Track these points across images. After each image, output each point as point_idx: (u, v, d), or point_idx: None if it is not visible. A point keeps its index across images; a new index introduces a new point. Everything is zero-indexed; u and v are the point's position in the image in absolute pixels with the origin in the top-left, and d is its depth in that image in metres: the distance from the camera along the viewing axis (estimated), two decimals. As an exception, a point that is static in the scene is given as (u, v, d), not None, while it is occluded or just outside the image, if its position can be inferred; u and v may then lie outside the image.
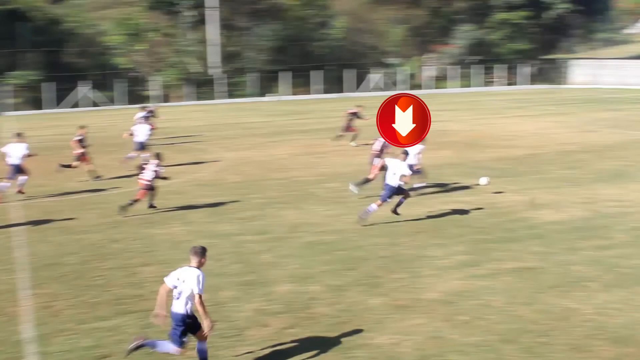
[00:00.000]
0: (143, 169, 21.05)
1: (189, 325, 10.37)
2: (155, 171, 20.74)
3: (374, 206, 19.11)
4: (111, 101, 60.76)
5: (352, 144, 33.02)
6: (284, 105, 58.05)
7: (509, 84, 75.95)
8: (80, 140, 26.17)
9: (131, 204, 20.66)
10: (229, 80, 66.32)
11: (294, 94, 67.03)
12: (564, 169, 26.85)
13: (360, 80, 69.90)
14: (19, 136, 23.75)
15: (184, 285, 10.19)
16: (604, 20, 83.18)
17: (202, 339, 10.59)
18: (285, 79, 66.24)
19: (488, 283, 14.30)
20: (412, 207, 20.70)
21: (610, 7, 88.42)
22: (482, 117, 38.95)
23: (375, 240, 17.52)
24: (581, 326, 12.17)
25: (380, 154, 23.09)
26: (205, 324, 10.29)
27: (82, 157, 26.20)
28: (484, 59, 75.46)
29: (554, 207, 20.69)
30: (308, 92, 67.98)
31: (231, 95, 65.50)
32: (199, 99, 63.88)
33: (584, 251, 16.38)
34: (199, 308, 10.17)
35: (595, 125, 40.00)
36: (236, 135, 37.90)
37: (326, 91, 68.37)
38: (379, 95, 67.22)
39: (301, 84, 68.16)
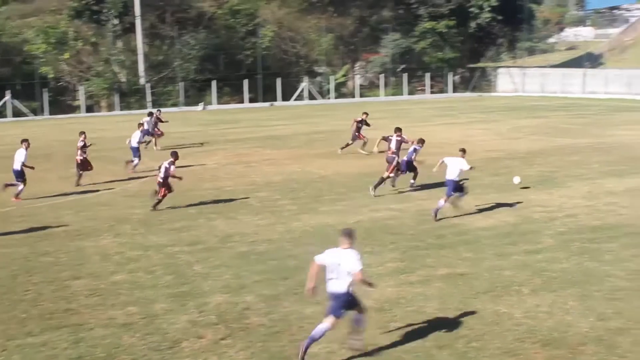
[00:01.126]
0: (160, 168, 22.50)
1: (348, 302, 11.10)
2: (167, 168, 22.06)
3: (441, 202, 20.37)
4: (35, 111, 59.48)
5: (363, 151, 32.99)
6: (214, 115, 57.70)
7: (436, 92, 76.99)
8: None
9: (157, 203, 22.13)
10: (157, 89, 65.62)
11: (224, 103, 66.69)
12: (492, 175, 27.33)
13: (290, 89, 69.94)
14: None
15: (340, 267, 10.85)
16: (527, 30, 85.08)
17: (361, 312, 11.36)
18: (213, 89, 65.86)
19: (421, 290, 14.46)
20: (344, 215, 20.84)
21: (533, 17, 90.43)
22: (411, 125, 39.42)
23: (308, 249, 17.48)
24: (512, 330, 12.40)
25: (397, 152, 24.40)
26: (370, 288, 11.61)
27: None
28: (412, 68, 76.34)
29: (483, 213, 21.05)
30: (237, 102, 67.70)
31: (159, 105, 64.78)
32: (126, 108, 63.01)
33: (513, 256, 16.71)
34: (363, 282, 11.11)
35: (520, 132, 40.87)
36: (166, 146, 37.52)
37: (255, 100, 68.20)
38: (309, 104, 67.60)
39: (231, 93, 67.85)
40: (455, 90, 78.11)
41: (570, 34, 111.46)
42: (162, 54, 68.27)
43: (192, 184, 26.62)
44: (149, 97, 64.19)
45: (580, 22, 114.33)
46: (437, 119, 50.24)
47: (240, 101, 67.70)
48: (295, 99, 69.54)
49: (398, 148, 24.60)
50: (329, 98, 71.53)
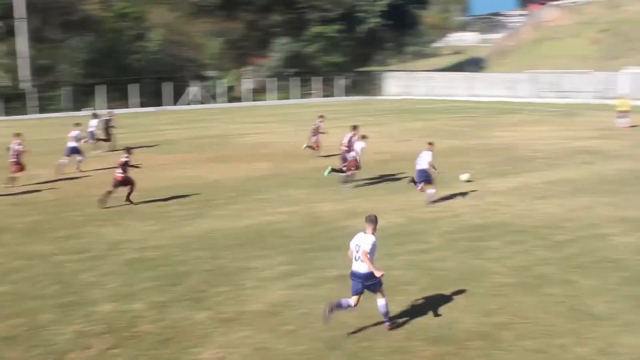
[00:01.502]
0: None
1: (368, 282, 12.35)
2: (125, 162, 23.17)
3: (431, 191, 22.70)
4: None
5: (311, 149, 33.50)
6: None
7: (326, 96, 77.70)
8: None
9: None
10: (41, 94, 63.74)
11: (111, 107, 65.38)
12: (382, 177, 27.78)
13: (178, 93, 69.23)
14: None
15: (360, 249, 12.25)
16: (414, 34, 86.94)
17: (381, 295, 12.52)
18: (101, 93, 64.49)
19: (312, 292, 14.55)
20: (233, 220, 20.76)
21: (419, 22, 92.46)
22: (300, 128, 39.68)
23: (198, 254, 17.39)
24: (401, 329, 12.63)
25: (349, 148, 25.69)
26: (377, 273, 12.19)
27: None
28: (301, 72, 76.80)
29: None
30: (125, 106, 66.49)
31: (44, 110, 62.96)
32: (9, 114, 60.97)
33: (402, 256, 17.02)
34: (365, 260, 12.10)
35: (408, 135, 41.69)
36: (51, 152, 36.37)
37: (144, 105, 67.16)
38: (199, 109, 67.06)
39: (118, 98, 66.59)
40: (345, 93, 79.01)
41: (455, 38, 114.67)
42: (47, 58, 66.37)
43: (80, 190, 26.00)
44: (33, 102, 62.29)
45: (464, 27, 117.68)
46: (327, 122, 50.53)
47: (129, 106, 66.53)
48: (186, 104, 68.84)
49: (349, 145, 25.80)
50: (218, 102, 71.15)
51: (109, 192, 23.25)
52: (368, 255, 12.13)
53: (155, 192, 25.49)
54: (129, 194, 23.56)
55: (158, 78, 67.92)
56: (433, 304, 13.79)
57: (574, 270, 15.86)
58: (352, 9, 77.17)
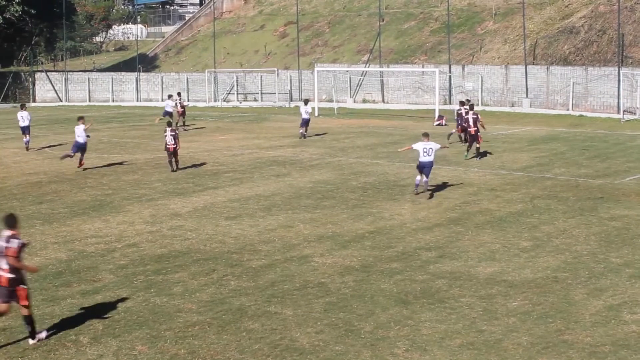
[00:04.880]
0: None
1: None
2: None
3: (423, 178, 27.68)
4: None
5: None
6: None
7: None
8: None
9: None
10: None
11: None
12: (35, 203, 26.77)
13: None
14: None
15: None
16: (67, 27, 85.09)
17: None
18: None
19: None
20: None
21: (74, 12, 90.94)
22: None
23: None
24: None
25: None
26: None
27: None
28: None
29: (27, 251, 20.50)
30: None
31: None
32: None
33: (67, 300, 16.48)
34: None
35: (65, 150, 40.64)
36: None
37: None
38: None
39: None
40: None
41: (119, 32, 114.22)
42: None
43: None
44: None
45: (129, 18, 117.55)
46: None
47: None
48: None
49: None
50: None
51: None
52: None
53: None
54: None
55: None
56: (110, 354, 13.51)
57: (274, 300, 16.35)
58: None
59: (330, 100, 63.82)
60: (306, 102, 46.03)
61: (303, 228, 22.67)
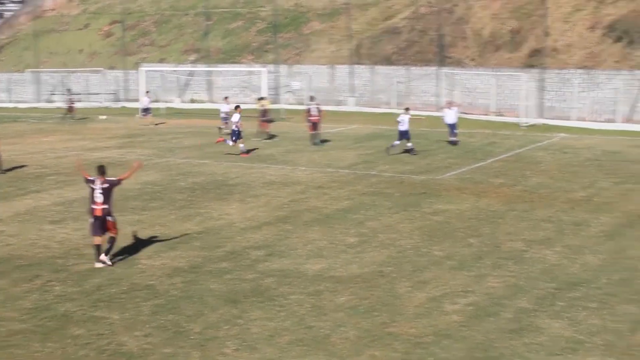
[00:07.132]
0: None
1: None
2: None
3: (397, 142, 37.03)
4: None
5: None
6: None
7: None
8: None
9: None
10: None
11: None
12: None
13: None
14: None
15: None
16: None
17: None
18: None
19: None
20: None
21: None
22: None
23: None
24: None
25: None
26: None
27: None
28: None
29: None
30: None
31: None
32: None
33: None
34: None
35: None
36: None
37: None
38: None
39: None
40: None
41: None
42: None
43: None
44: None
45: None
46: None
47: None
48: None
49: None
50: None
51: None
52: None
53: None
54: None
55: None
56: None
57: (100, 305, 16.08)
58: None
59: (157, 101, 63.09)
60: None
61: (129, 230, 22.37)
